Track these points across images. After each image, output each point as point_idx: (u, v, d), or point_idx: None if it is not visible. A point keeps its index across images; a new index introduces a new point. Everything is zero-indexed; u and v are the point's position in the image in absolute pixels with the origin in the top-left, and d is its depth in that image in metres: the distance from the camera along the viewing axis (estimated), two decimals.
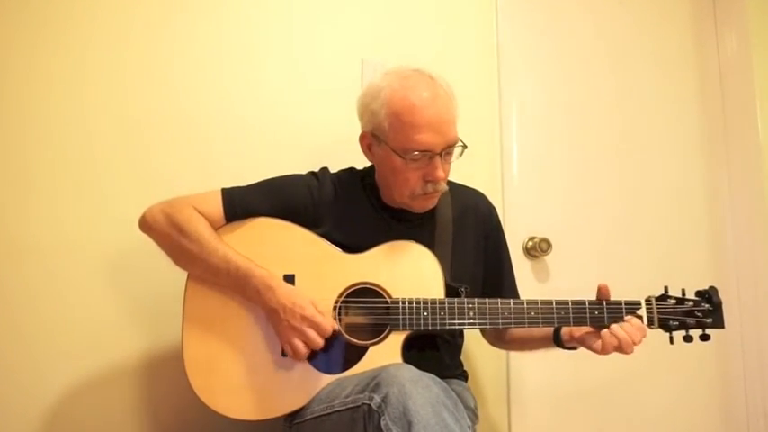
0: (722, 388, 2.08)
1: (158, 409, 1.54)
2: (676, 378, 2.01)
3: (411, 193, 1.33)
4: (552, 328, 1.35)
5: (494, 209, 1.54)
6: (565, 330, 1.33)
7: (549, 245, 1.88)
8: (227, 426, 1.36)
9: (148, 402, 1.53)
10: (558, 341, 1.35)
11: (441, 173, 1.30)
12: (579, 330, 1.31)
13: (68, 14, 1.58)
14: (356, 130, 1.76)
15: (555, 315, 1.30)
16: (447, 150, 1.31)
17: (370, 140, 1.37)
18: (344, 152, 1.67)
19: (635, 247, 2.04)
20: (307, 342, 1.21)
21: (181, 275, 1.31)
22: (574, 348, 1.35)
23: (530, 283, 1.89)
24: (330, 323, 1.22)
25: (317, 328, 1.21)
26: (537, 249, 1.88)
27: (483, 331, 1.56)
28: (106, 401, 1.51)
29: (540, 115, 2.01)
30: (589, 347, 1.30)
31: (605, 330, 1.27)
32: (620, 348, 1.25)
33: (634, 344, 1.26)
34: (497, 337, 1.53)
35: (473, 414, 1.38)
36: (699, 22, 2.22)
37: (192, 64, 1.66)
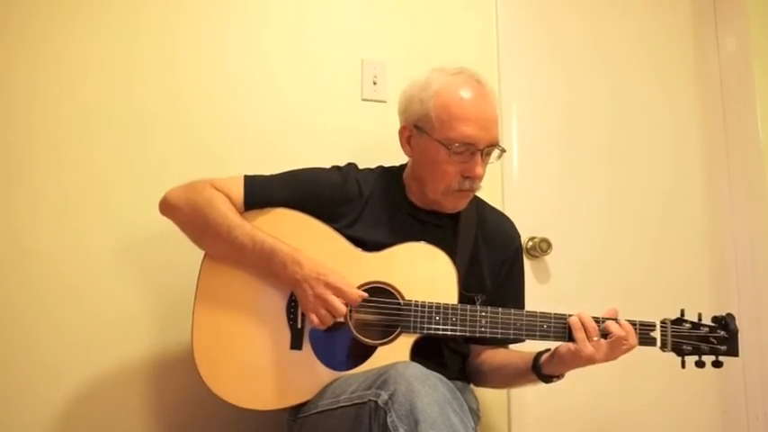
0: (722, 388, 2.08)
1: (168, 402, 1.54)
2: (676, 379, 1.99)
3: (447, 187, 1.34)
4: (532, 357, 1.31)
5: (518, 236, 1.53)
6: (545, 355, 1.29)
7: (549, 245, 1.88)
8: (232, 418, 1.36)
9: (158, 396, 1.54)
10: (536, 366, 1.29)
11: (480, 169, 1.32)
12: (565, 346, 1.26)
13: (73, 17, 1.59)
14: (356, 128, 1.77)
15: (567, 330, 1.27)
16: (488, 150, 1.33)
17: (411, 132, 1.38)
18: (345, 151, 1.67)
19: (634, 246, 2.03)
20: (329, 309, 1.21)
21: (190, 272, 1.30)
22: (550, 379, 1.30)
23: (530, 284, 1.86)
24: (356, 293, 1.23)
25: (341, 294, 1.21)
26: (537, 249, 1.88)
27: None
28: (116, 398, 1.51)
29: (540, 115, 2.01)
30: (563, 355, 1.24)
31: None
32: (614, 344, 1.23)
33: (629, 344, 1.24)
34: (475, 370, 1.45)
35: (475, 415, 1.37)
36: (699, 23, 2.22)
37: (194, 64, 1.67)
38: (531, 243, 1.90)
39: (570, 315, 1.28)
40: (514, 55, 1.97)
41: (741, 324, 2.04)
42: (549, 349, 1.31)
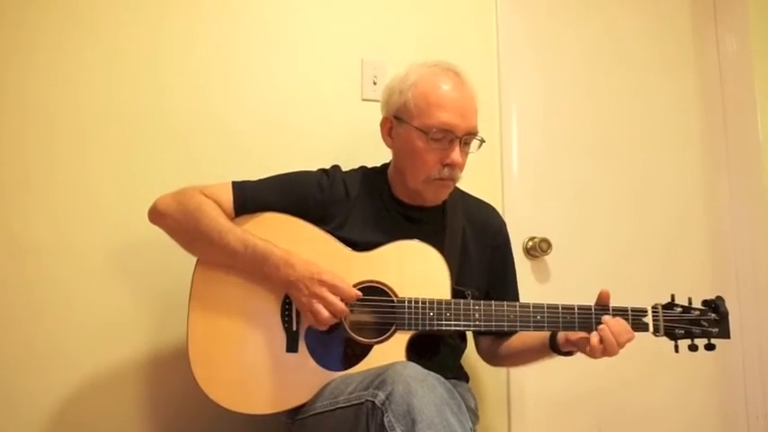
0: (722, 388, 2.08)
1: (163, 407, 1.54)
2: (676, 379, 2.00)
3: (427, 176, 1.35)
4: (548, 337, 1.35)
5: (504, 224, 1.55)
6: (561, 335, 1.33)
7: (549, 245, 1.88)
8: (230, 422, 1.36)
9: (153, 400, 1.54)
10: (554, 346, 1.34)
11: (458, 156, 1.33)
12: (576, 334, 1.31)
13: (65, 18, 1.59)
14: (356, 129, 1.77)
15: (560, 319, 1.30)
16: (466, 139, 1.35)
17: (391, 124, 1.40)
18: (345, 151, 1.68)
19: (635, 246, 2.03)
20: (327, 306, 1.21)
21: (184, 272, 1.30)
22: (570, 354, 1.35)
23: (530, 284, 1.89)
24: (351, 289, 1.23)
25: (337, 291, 1.22)
26: (537, 249, 1.88)
27: (478, 348, 1.55)
28: (110, 400, 1.51)
29: (540, 115, 2.01)
30: (583, 350, 1.30)
31: (594, 333, 1.27)
32: (606, 350, 1.25)
33: (619, 346, 1.25)
34: (492, 354, 1.51)
35: (473, 415, 1.38)
36: (699, 22, 2.22)
37: (192, 65, 1.67)
38: (531, 243, 1.90)
39: (568, 306, 1.30)
40: (514, 55, 1.97)
41: (742, 326, 2.07)
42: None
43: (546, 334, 1.35)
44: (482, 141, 1.39)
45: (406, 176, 1.39)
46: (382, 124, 1.43)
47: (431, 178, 1.35)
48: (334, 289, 1.22)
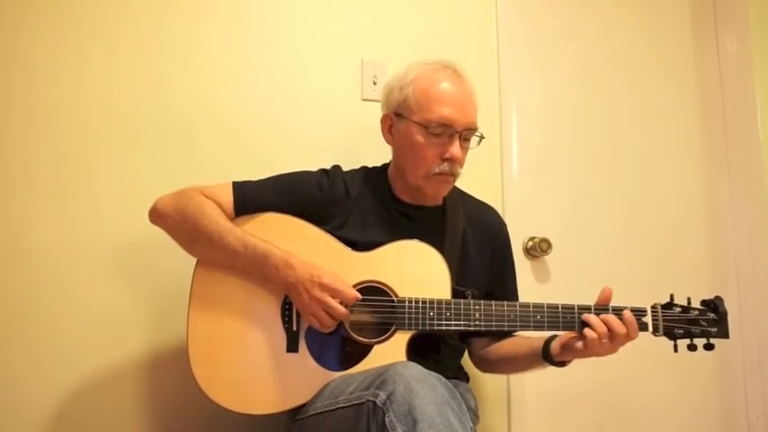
0: (722, 388, 2.08)
1: (163, 407, 1.54)
2: (675, 378, 2.00)
3: (427, 171, 1.35)
4: (541, 345, 1.34)
5: (504, 225, 1.55)
6: (554, 345, 1.32)
7: (549, 245, 1.88)
8: (229, 422, 1.36)
9: (152, 400, 1.54)
10: (546, 355, 1.32)
11: (457, 151, 1.33)
12: (566, 336, 1.30)
13: (67, 18, 1.59)
14: (356, 129, 1.77)
15: (560, 319, 1.30)
16: (466, 134, 1.36)
17: (391, 120, 1.41)
18: (345, 151, 1.68)
19: (635, 246, 2.03)
20: (328, 311, 1.21)
21: (185, 272, 1.30)
22: (562, 364, 1.33)
23: (530, 284, 1.89)
24: (351, 291, 1.23)
25: (337, 295, 1.22)
26: (537, 249, 1.88)
27: (470, 354, 1.54)
28: (110, 400, 1.51)
29: (540, 115, 2.01)
30: (574, 349, 1.27)
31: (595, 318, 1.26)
32: (613, 336, 1.24)
33: (629, 337, 1.25)
34: (483, 360, 1.50)
35: (473, 415, 1.38)
36: (699, 22, 2.22)
37: (193, 65, 1.67)
38: (531, 243, 1.90)
39: (568, 306, 1.30)
40: (514, 55, 1.97)
41: (742, 326, 2.07)
42: (555, 335, 1.33)
43: (539, 343, 1.34)
44: (481, 137, 1.39)
45: (407, 172, 1.39)
46: (382, 122, 1.43)
47: (431, 173, 1.35)
48: (334, 293, 1.22)
